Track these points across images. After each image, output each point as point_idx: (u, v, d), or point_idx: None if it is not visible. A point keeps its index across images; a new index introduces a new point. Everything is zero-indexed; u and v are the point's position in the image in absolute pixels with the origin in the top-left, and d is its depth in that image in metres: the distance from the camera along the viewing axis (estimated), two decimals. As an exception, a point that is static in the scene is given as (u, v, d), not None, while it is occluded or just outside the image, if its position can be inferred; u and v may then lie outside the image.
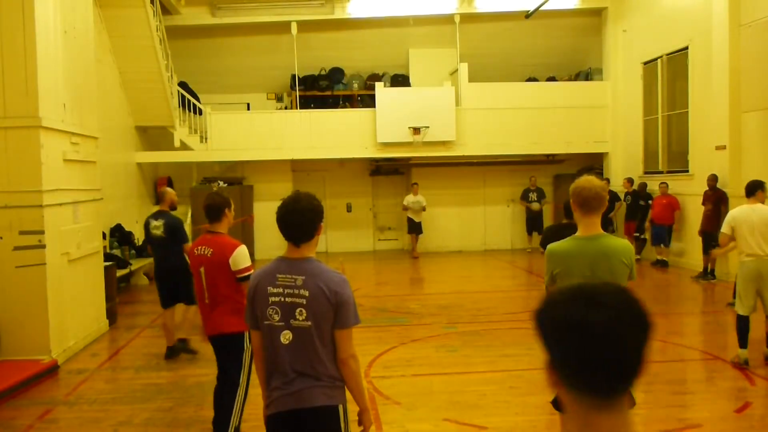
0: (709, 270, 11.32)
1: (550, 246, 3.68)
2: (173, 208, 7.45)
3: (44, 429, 5.30)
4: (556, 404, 3.66)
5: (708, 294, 10.56)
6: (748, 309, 6.32)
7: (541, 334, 1.23)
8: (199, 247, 4.52)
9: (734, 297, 6.81)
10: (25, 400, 5.98)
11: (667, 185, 12.72)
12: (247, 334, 4.47)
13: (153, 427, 5.28)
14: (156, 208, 7.91)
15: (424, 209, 15.38)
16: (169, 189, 7.64)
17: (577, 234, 3.54)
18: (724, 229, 6.45)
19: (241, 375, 4.52)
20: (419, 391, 5.92)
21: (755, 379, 6.01)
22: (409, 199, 15.45)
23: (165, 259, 7.25)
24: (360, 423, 2.96)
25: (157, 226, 7.14)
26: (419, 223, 15.53)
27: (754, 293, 6.28)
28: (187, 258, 6.40)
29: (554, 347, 1.21)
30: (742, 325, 6.36)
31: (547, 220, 15.93)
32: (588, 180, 3.51)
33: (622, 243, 3.54)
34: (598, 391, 1.19)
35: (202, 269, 4.47)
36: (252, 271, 4.32)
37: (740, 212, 6.37)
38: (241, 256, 4.39)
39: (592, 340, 1.16)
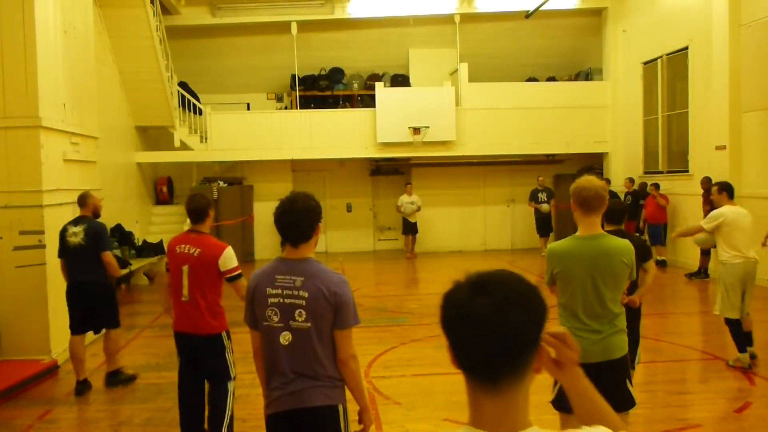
0: (702, 270, 11.38)
1: (550, 245, 3.70)
2: (96, 215, 6.49)
3: (44, 429, 5.30)
4: (556, 404, 3.67)
5: (704, 294, 10.56)
6: (738, 311, 6.29)
7: (440, 318, 1.30)
8: (183, 245, 4.49)
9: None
10: (25, 400, 5.98)
11: (658, 186, 12.74)
12: (225, 333, 4.52)
13: (153, 427, 5.28)
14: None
15: (419, 209, 15.17)
16: (92, 193, 6.67)
17: (577, 234, 3.55)
18: (708, 225, 6.36)
19: (231, 371, 4.53)
20: (419, 391, 5.93)
21: (755, 379, 6.01)
22: (403, 199, 15.23)
23: (82, 273, 6.15)
24: (360, 422, 2.95)
25: (76, 233, 6.17)
26: (414, 224, 15.35)
27: (741, 294, 6.28)
28: (110, 270, 6.10)
29: (446, 331, 1.28)
30: (737, 328, 6.31)
31: (553, 221, 15.91)
32: (588, 180, 3.53)
33: (622, 242, 3.55)
34: (481, 375, 1.23)
35: (185, 267, 4.44)
36: (240, 270, 4.46)
37: (730, 212, 6.31)
38: (229, 258, 4.44)
39: (472, 327, 1.21)
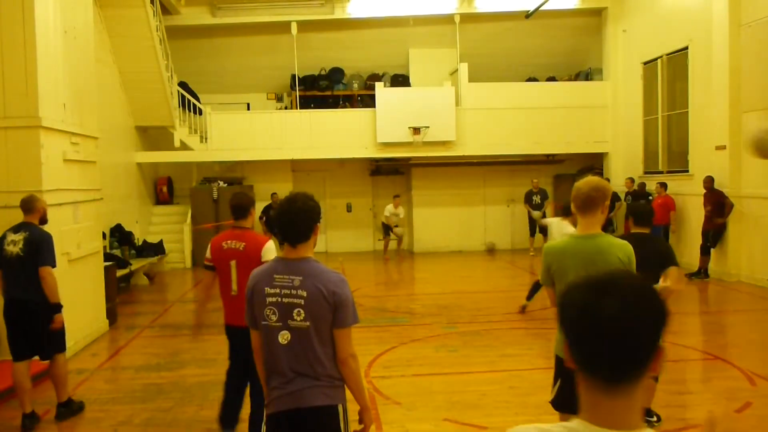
0: (702, 270, 11.38)
1: (547, 244, 3.72)
2: (43, 221, 5.62)
3: (44, 429, 5.30)
4: (556, 404, 3.68)
5: (704, 294, 10.57)
6: None
7: (560, 318, 1.29)
8: (229, 241, 4.72)
9: None
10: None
11: (665, 186, 12.69)
12: None
13: (153, 427, 5.27)
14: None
15: (397, 225, 15.34)
16: (39, 197, 5.76)
17: (575, 232, 3.58)
18: None
19: None
20: (419, 391, 5.92)
21: (755, 379, 6.01)
22: (390, 210, 15.22)
23: (18, 288, 5.29)
24: (360, 421, 2.95)
25: (15, 241, 5.31)
26: (395, 227, 15.46)
27: None
28: (46, 290, 5.21)
29: (568, 331, 1.27)
30: None
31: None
32: (586, 181, 3.59)
33: (619, 241, 3.58)
34: (604, 376, 1.23)
35: (233, 262, 4.67)
36: None
37: None
38: (270, 249, 4.65)
39: (599, 328, 1.21)
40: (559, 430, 1.26)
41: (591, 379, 1.25)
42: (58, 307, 5.30)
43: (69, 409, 5.49)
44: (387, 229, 15.41)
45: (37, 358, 5.51)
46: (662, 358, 1.28)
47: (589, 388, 1.26)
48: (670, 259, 4.67)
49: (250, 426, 4.73)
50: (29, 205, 5.54)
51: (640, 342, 1.22)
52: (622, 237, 4.68)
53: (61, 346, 5.53)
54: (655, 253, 4.55)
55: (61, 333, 5.47)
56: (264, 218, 13.78)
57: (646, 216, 4.70)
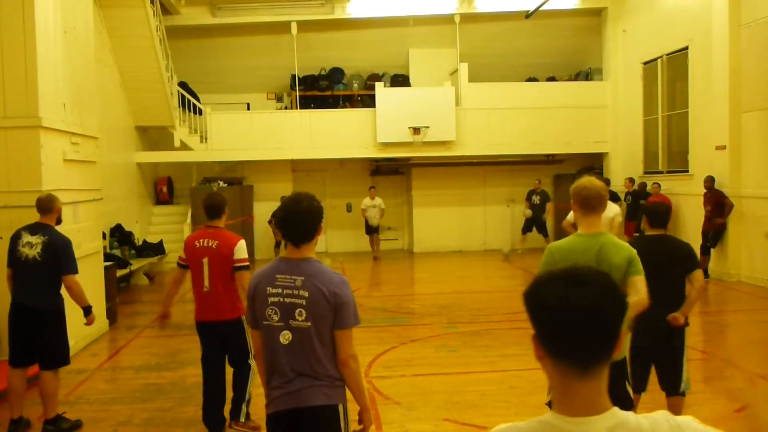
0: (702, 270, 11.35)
1: (552, 243, 3.73)
2: (59, 222, 5.32)
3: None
4: (551, 405, 3.68)
5: (704, 294, 10.55)
6: None
7: (529, 310, 1.37)
8: (201, 240, 4.89)
9: None
10: (25, 400, 5.96)
11: (659, 185, 12.70)
12: (243, 316, 4.88)
13: (153, 427, 5.28)
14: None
15: (382, 213, 15.17)
16: (57, 196, 5.38)
17: (578, 232, 3.59)
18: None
19: (250, 350, 4.86)
20: (419, 391, 5.93)
21: (755, 379, 6.01)
22: (366, 202, 15.10)
23: (30, 294, 5.03)
24: (360, 422, 2.95)
25: (32, 243, 5.02)
26: (377, 227, 15.32)
27: None
28: (76, 299, 5.10)
29: (539, 323, 1.36)
30: None
31: (548, 221, 15.90)
32: (589, 180, 3.59)
33: (622, 242, 3.61)
34: (578, 363, 1.32)
35: (205, 260, 4.83)
36: (248, 263, 4.90)
37: None
38: (242, 248, 4.86)
39: (571, 317, 1.30)
40: (534, 425, 1.36)
41: (564, 368, 1.33)
42: (89, 309, 5.20)
43: (57, 427, 5.09)
44: (368, 228, 15.26)
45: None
46: (622, 342, 1.39)
47: (562, 376, 1.34)
48: (695, 261, 4.49)
49: (233, 403, 4.96)
50: (48, 205, 5.17)
51: (610, 328, 1.32)
52: (638, 239, 4.56)
53: (64, 360, 5.25)
54: (679, 256, 4.43)
55: (66, 346, 5.25)
56: (273, 221, 13.77)
57: (662, 216, 4.56)
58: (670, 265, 4.33)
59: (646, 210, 4.67)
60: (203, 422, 4.97)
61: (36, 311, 5.02)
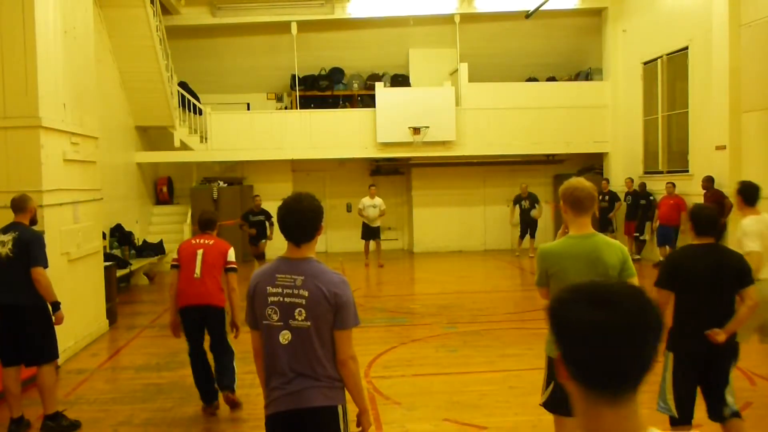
0: None
1: (543, 246, 3.70)
2: (34, 222, 5.39)
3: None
4: (549, 406, 3.68)
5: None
6: None
7: (553, 331, 1.26)
8: (197, 240, 5.56)
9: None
10: (25, 400, 5.96)
11: (674, 185, 12.60)
12: (225, 308, 5.49)
13: (153, 427, 5.28)
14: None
15: (383, 214, 13.83)
16: (31, 197, 5.47)
17: (570, 233, 3.57)
18: (754, 245, 5.02)
19: (228, 341, 5.51)
20: (419, 391, 5.93)
21: (755, 379, 6.01)
22: (365, 202, 13.79)
23: (6, 292, 5.02)
24: (359, 424, 2.95)
25: (5, 242, 5.05)
26: (376, 229, 13.93)
27: None
28: (41, 291, 5.04)
29: (565, 344, 1.24)
30: None
31: (547, 222, 15.89)
32: (579, 180, 3.61)
33: (614, 241, 3.64)
34: (605, 388, 1.21)
35: (200, 251, 5.38)
36: (236, 265, 5.48)
37: (759, 224, 5.22)
38: (233, 254, 5.51)
39: (599, 340, 1.18)
40: None
41: (591, 392, 1.22)
42: (57, 305, 5.16)
43: (57, 424, 5.11)
44: (366, 231, 13.93)
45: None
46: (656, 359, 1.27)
47: (590, 402, 1.22)
48: (748, 276, 3.93)
49: (216, 375, 5.43)
50: (21, 204, 5.28)
51: (643, 353, 1.21)
52: (684, 249, 4.08)
53: (53, 354, 5.26)
54: (730, 268, 3.89)
55: (53, 340, 5.26)
56: (244, 224, 13.54)
57: (712, 222, 4.01)
58: (724, 280, 3.86)
59: (692, 215, 4.05)
60: (201, 398, 5.55)
61: (17, 309, 5.04)
